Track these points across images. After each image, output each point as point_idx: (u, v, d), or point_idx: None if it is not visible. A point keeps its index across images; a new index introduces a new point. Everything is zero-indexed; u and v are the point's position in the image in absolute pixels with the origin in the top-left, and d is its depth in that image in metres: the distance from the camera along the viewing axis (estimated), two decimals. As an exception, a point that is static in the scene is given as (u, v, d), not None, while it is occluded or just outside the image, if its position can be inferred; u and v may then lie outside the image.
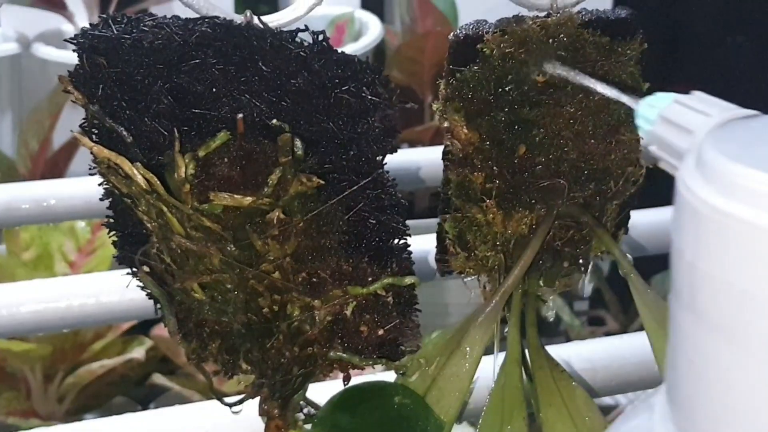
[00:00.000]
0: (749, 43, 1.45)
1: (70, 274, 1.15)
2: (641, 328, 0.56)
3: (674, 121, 0.36)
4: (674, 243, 0.30)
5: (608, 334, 1.41)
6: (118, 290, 0.64)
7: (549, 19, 0.46)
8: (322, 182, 0.43)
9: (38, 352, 1.09)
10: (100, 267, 1.16)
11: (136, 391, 1.20)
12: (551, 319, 0.55)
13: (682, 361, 0.30)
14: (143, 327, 1.17)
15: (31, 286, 0.65)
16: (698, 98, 0.36)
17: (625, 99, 0.42)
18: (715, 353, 0.29)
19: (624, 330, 1.40)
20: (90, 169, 0.46)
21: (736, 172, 0.28)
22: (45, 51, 1.38)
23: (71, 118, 1.33)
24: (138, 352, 1.14)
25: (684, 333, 0.30)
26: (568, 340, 1.35)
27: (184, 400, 1.10)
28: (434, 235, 0.51)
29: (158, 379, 1.15)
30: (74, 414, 1.14)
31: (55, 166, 1.28)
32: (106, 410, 1.16)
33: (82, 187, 0.73)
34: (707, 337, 0.29)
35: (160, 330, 1.16)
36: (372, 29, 1.32)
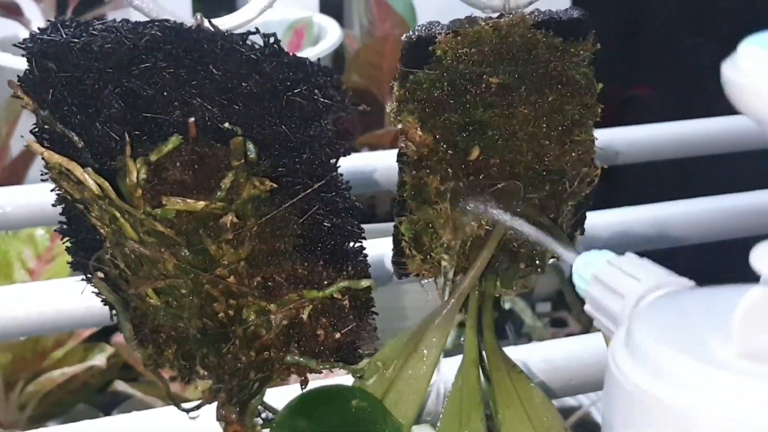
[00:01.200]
0: (708, 44, 1.47)
1: (30, 282, 1.14)
2: (592, 333, 0.57)
3: (606, 283, 0.38)
4: (603, 415, 0.31)
5: (570, 335, 1.41)
6: (76, 297, 0.63)
7: (502, 20, 0.46)
8: (275, 185, 0.43)
9: (-3, 360, 1.08)
10: (60, 274, 1.14)
11: (98, 398, 1.19)
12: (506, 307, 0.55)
13: None
14: (104, 334, 1.15)
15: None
16: (630, 261, 0.38)
17: (560, 252, 0.43)
18: None
19: (586, 331, 1.41)
20: (42, 175, 0.46)
21: (661, 355, 0.30)
22: (1, 58, 1.36)
23: (28, 125, 1.32)
24: (99, 360, 1.13)
25: None
26: (530, 342, 1.35)
27: (146, 407, 1.09)
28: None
29: (120, 386, 1.13)
30: (37, 422, 1.12)
31: (13, 174, 1.26)
32: (69, 418, 1.14)
33: (39, 194, 0.73)
34: None
35: (121, 337, 1.15)
36: (331, 33, 1.32)
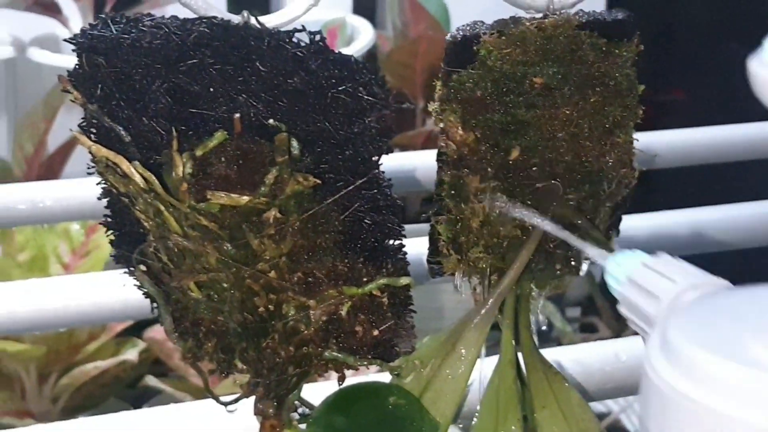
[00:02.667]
0: (742, 49, 1.46)
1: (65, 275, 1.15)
2: (634, 335, 0.56)
3: (641, 284, 0.37)
4: (640, 419, 0.31)
5: (600, 340, 1.41)
6: (113, 290, 0.64)
7: (546, 20, 0.46)
8: (319, 182, 0.44)
9: (33, 352, 1.09)
10: (94, 269, 1.16)
11: (129, 392, 1.20)
12: (543, 327, 0.55)
13: None
14: (136, 329, 1.17)
15: (28, 285, 0.65)
16: (664, 261, 0.38)
17: (592, 253, 0.43)
18: None
19: (616, 336, 1.40)
20: (88, 168, 0.47)
21: (698, 357, 0.30)
22: (40, 55, 1.38)
23: (66, 121, 1.33)
24: (131, 354, 1.14)
25: None
26: (560, 346, 1.35)
27: (176, 402, 1.10)
28: (426, 239, 0.52)
29: (151, 381, 1.15)
30: (68, 414, 1.13)
31: (50, 169, 1.28)
32: (100, 411, 1.15)
33: (77, 189, 0.74)
34: None
35: (154, 332, 1.16)
36: (364, 34, 1.33)
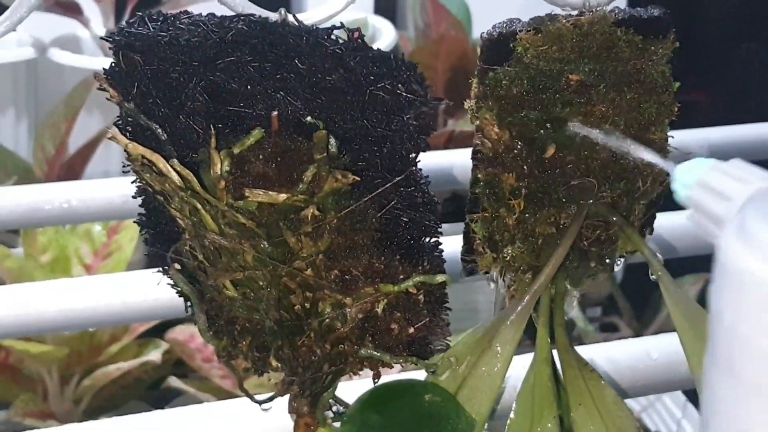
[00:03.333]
0: (762, 50, 1.45)
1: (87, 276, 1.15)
2: (655, 335, 0.56)
3: (712, 187, 0.37)
4: (713, 307, 0.31)
5: (621, 340, 1.40)
6: (143, 290, 0.64)
7: (582, 17, 0.46)
8: (357, 179, 0.44)
9: (55, 354, 1.09)
10: (116, 270, 1.16)
11: (152, 394, 1.20)
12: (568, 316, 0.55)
13: (719, 422, 0.31)
14: (158, 330, 1.17)
15: (57, 285, 0.65)
16: (736, 165, 0.37)
17: (660, 163, 0.43)
18: (753, 416, 0.29)
19: (637, 336, 1.40)
20: (123, 167, 0.47)
21: None
22: (61, 56, 1.38)
23: (87, 122, 1.33)
24: (154, 355, 1.14)
25: (721, 395, 0.31)
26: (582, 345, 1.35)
27: (198, 403, 1.10)
28: (455, 238, 0.51)
29: (173, 382, 1.15)
30: (91, 416, 1.14)
31: (71, 170, 1.28)
32: (122, 412, 1.15)
33: (101, 189, 0.74)
34: (745, 399, 0.30)
35: (176, 333, 1.16)
36: (385, 35, 1.33)
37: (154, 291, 0.64)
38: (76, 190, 0.74)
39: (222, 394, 1.12)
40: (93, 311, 0.65)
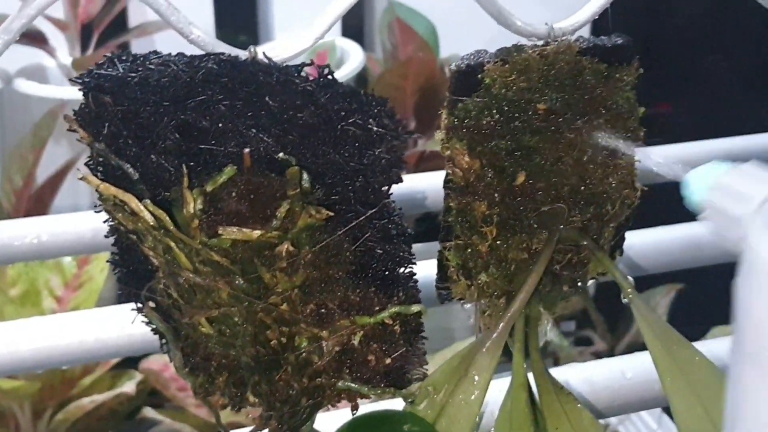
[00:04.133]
0: (726, 62, 1.47)
1: (58, 310, 1.14)
2: (628, 347, 0.57)
3: (731, 188, 0.37)
4: (740, 303, 0.31)
5: (596, 353, 1.41)
6: (117, 326, 0.64)
7: (548, 47, 0.46)
8: (331, 213, 0.44)
9: (27, 389, 1.08)
10: (87, 301, 1.15)
11: (127, 425, 1.19)
12: (544, 340, 0.56)
13: (747, 414, 0.31)
14: (132, 361, 1.16)
15: (30, 323, 0.65)
16: (752, 167, 0.38)
17: (671, 170, 0.43)
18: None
19: (611, 349, 1.41)
20: (96, 207, 0.47)
21: None
22: (27, 86, 1.38)
23: (55, 152, 1.33)
24: (128, 387, 1.14)
25: (749, 388, 0.31)
26: (556, 360, 1.36)
27: (176, 433, 1.10)
28: (427, 261, 0.52)
29: (148, 412, 1.14)
30: (66, 450, 1.13)
31: (39, 201, 1.27)
32: (97, 446, 1.15)
33: (70, 224, 0.73)
34: None
35: (150, 363, 1.15)
36: (353, 57, 1.33)
37: (128, 327, 0.64)
38: (47, 224, 0.73)
39: (198, 424, 1.12)
40: (66, 349, 0.64)
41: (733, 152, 0.83)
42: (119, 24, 1.40)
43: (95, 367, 1.17)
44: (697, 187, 0.39)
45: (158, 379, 1.15)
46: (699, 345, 0.58)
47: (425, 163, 1.21)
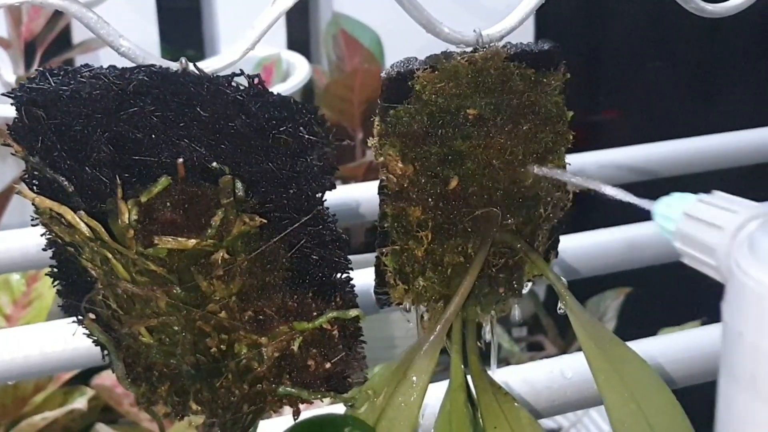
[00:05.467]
0: (668, 68, 1.50)
1: (7, 327, 1.14)
2: (580, 351, 0.58)
3: (701, 218, 0.39)
4: (730, 327, 0.32)
5: (547, 358, 1.42)
6: (61, 340, 0.64)
7: (476, 53, 0.47)
8: (264, 221, 0.44)
9: (-23, 408, 1.07)
10: (37, 319, 1.15)
11: (80, 442, 1.18)
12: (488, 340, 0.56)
13: None
14: (84, 377, 1.15)
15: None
16: (720, 197, 0.39)
17: (637, 201, 0.44)
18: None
19: (563, 353, 1.42)
20: (32, 220, 0.47)
21: None
22: (-29, 104, 1.36)
23: (1, 170, 1.32)
24: (80, 403, 1.13)
25: (742, 412, 0.32)
26: (509, 366, 1.37)
27: (128, 449, 1.10)
28: (373, 269, 0.53)
29: (101, 428, 1.13)
30: (18, 469, 1.12)
31: (-14, 219, 1.26)
32: (50, 463, 1.14)
33: (17, 240, 0.73)
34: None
35: (102, 379, 1.15)
36: (299, 69, 1.34)
37: (73, 340, 0.64)
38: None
39: (151, 438, 1.11)
40: (10, 364, 0.64)
41: (678, 154, 0.85)
42: (63, 41, 1.40)
43: (47, 384, 1.16)
44: (666, 216, 0.41)
45: (111, 394, 1.14)
46: (640, 343, 0.59)
47: (374, 173, 1.22)
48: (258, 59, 1.36)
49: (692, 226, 0.39)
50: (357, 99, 1.28)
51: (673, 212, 0.40)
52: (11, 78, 1.38)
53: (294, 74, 1.32)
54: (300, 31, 1.52)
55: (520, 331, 1.48)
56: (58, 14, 1.38)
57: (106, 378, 1.15)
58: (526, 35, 0.48)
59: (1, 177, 1.29)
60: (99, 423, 1.15)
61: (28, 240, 0.73)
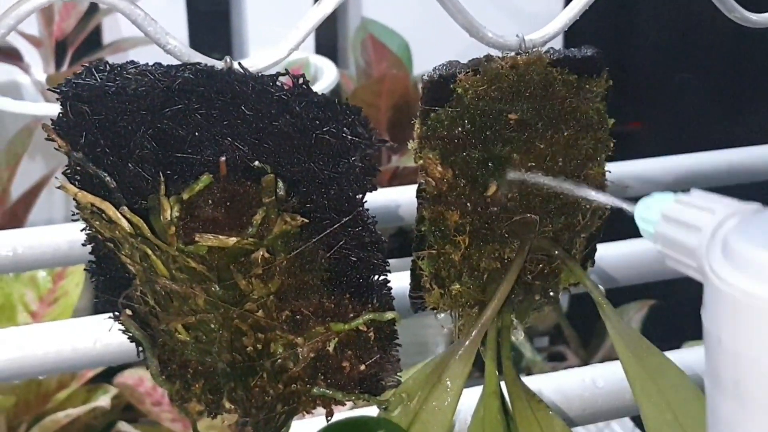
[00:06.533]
0: (695, 81, 1.49)
1: (33, 324, 1.14)
2: (602, 363, 0.57)
3: (679, 219, 0.38)
4: (709, 333, 0.31)
5: (569, 369, 1.42)
6: (92, 336, 0.64)
7: (519, 58, 0.47)
8: (306, 221, 0.44)
9: (2, 403, 1.08)
10: (62, 316, 1.15)
11: (102, 440, 1.19)
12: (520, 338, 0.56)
13: None
14: (107, 375, 1.16)
15: (4, 334, 0.65)
16: (698, 196, 0.38)
17: (618, 203, 0.43)
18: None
19: (584, 364, 1.41)
20: (73, 215, 0.47)
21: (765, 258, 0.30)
22: (1, 102, 1.38)
23: (29, 168, 1.32)
24: (103, 401, 1.13)
25: (728, 417, 0.31)
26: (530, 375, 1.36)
27: (149, 448, 1.10)
28: (403, 274, 0.52)
29: (123, 427, 1.14)
30: (40, 465, 1.12)
31: (14, 217, 1.27)
32: (72, 460, 1.14)
33: (44, 237, 0.74)
34: (754, 420, 0.30)
35: (125, 378, 1.15)
36: (327, 74, 1.34)
37: (103, 337, 0.64)
38: (22, 237, 0.73)
39: (173, 438, 1.11)
40: (42, 359, 0.64)
41: (701, 167, 0.84)
42: (94, 41, 1.41)
43: (70, 381, 1.17)
44: (646, 218, 0.40)
45: (133, 393, 1.14)
46: (670, 354, 0.59)
47: (399, 179, 1.22)
48: (286, 63, 1.36)
49: (670, 227, 0.38)
50: (384, 105, 1.28)
51: (652, 214, 0.39)
52: (42, 77, 1.39)
53: (321, 79, 1.32)
54: (328, 35, 1.53)
55: (542, 340, 1.48)
56: (89, 14, 1.39)
57: (129, 377, 1.16)
58: (554, 44, 0.48)
59: (28, 175, 1.30)
60: (121, 421, 1.15)
61: (55, 237, 0.73)
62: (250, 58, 0.46)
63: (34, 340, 0.64)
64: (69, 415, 1.12)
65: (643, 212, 0.40)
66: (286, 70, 0.43)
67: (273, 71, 0.44)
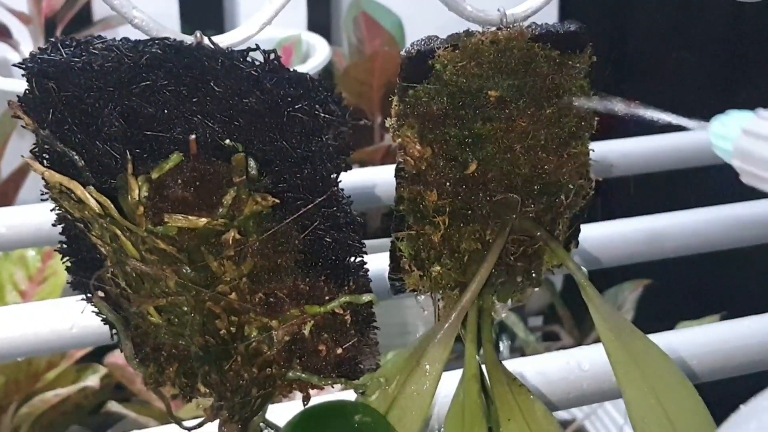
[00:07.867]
0: (693, 58, 1.48)
1: (22, 303, 1.13)
2: (596, 343, 0.57)
3: (761, 134, 0.38)
4: None
5: (563, 349, 1.41)
6: (72, 317, 0.63)
7: (500, 33, 0.46)
8: (277, 201, 0.43)
9: (-10, 383, 1.07)
10: (52, 295, 1.14)
11: (92, 419, 1.18)
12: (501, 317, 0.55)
13: None
14: (97, 355, 1.15)
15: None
16: None
17: (687, 122, 0.43)
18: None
19: (579, 344, 1.41)
20: (42, 194, 0.46)
21: None
22: (-10, 79, 1.36)
23: (19, 146, 1.31)
24: (92, 380, 1.13)
25: None
26: (524, 356, 1.35)
27: (139, 428, 1.09)
28: (388, 254, 0.51)
29: (113, 406, 1.13)
30: (29, 445, 1.12)
31: (3, 196, 1.26)
32: (61, 440, 1.14)
33: (32, 215, 0.73)
34: None
35: (114, 357, 1.14)
36: (319, 51, 1.32)
37: (84, 318, 0.63)
38: (11, 215, 0.73)
39: (163, 418, 1.10)
40: (26, 339, 0.63)
41: (697, 145, 0.83)
42: (83, 17, 1.39)
43: (59, 361, 1.16)
44: (721, 135, 0.40)
45: (123, 373, 1.14)
46: (659, 337, 0.58)
47: (391, 157, 1.20)
48: (278, 40, 1.34)
49: (751, 142, 0.38)
50: (376, 82, 1.26)
51: (729, 130, 0.40)
52: (30, 53, 1.37)
53: (314, 56, 1.30)
54: (321, 12, 1.51)
55: (535, 320, 1.47)
56: (78, -10, 1.37)
57: (119, 357, 1.15)
58: (549, 18, 0.47)
59: (18, 154, 1.28)
60: (111, 401, 1.14)
61: (44, 216, 0.72)
62: (225, 33, 0.44)
63: (14, 321, 0.63)
64: (58, 395, 1.11)
65: (719, 129, 0.40)
66: (256, 45, 0.42)
67: (248, 47, 0.43)
